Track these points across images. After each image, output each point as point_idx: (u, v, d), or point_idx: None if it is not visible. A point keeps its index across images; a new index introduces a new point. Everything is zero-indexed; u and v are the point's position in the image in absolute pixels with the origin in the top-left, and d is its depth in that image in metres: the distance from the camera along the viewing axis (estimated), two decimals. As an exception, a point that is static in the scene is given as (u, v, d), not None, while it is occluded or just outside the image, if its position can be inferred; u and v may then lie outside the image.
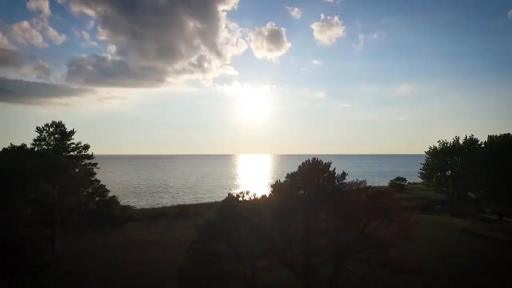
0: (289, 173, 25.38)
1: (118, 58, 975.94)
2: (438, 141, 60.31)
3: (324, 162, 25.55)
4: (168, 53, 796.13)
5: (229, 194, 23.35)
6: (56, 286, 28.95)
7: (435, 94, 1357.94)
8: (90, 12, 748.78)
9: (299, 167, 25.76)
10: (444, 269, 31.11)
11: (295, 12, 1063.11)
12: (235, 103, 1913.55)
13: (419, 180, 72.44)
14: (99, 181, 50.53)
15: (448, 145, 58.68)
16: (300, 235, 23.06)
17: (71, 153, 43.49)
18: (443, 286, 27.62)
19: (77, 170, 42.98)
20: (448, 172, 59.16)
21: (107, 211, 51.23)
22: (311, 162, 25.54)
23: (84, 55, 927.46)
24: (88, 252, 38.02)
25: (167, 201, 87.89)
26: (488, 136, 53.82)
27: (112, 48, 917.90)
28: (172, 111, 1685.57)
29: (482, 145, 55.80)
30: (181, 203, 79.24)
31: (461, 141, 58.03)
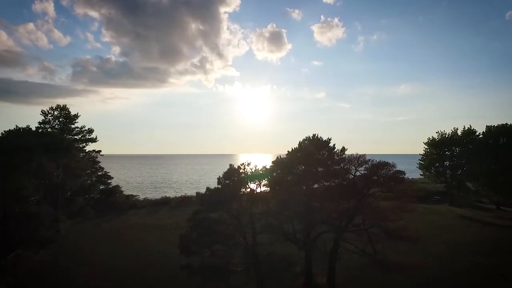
0: (290, 150, 25.86)
1: (121, 59, 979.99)
2: (436, 132, 60.71)
3: (324, 139, 26.05)
4: (171, 54, 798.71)
5: (230, 165, 23.58)
6: (60, 261, 29.68)
7: (433, 94, 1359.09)
8: (94, 14, 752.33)
9: (300, 143, 26.23)
10: (443, 248, 31.80)
11: (296, 14, 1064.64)
12: (236, 103, 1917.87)
13: (418, 177, 72.94)
14: (103, 168, 51.44)
15: (447, 135, 58.91)
16: (301, 209, 23.39)
17: (76, 137, 44.17)
18: (441, 261, 28.23)
19: (81, 154, 43.68)
20: (447, 163, 59.37)
21: (110, 199, 52.08)
22: (311, 138, 26.08)
23: (88, 56, 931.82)
24: (91, 233, 38.73)
25: (170, 195, 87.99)
26: (486, 126, 54.27)
27: (116, 49, 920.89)
28: (174, 111, 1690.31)
29: (480, 136, 56.13)
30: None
31: (459, 132, 58.29)
